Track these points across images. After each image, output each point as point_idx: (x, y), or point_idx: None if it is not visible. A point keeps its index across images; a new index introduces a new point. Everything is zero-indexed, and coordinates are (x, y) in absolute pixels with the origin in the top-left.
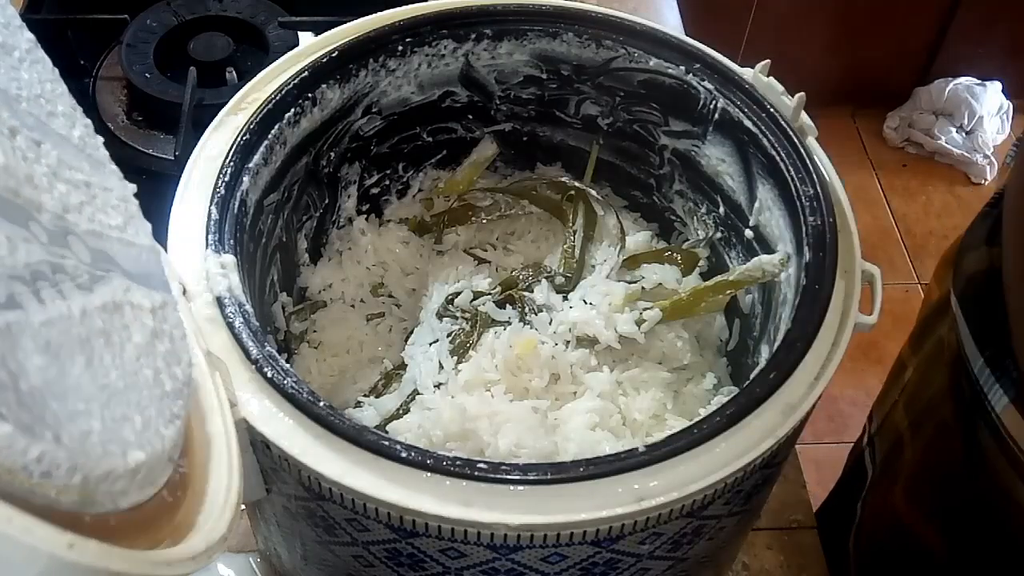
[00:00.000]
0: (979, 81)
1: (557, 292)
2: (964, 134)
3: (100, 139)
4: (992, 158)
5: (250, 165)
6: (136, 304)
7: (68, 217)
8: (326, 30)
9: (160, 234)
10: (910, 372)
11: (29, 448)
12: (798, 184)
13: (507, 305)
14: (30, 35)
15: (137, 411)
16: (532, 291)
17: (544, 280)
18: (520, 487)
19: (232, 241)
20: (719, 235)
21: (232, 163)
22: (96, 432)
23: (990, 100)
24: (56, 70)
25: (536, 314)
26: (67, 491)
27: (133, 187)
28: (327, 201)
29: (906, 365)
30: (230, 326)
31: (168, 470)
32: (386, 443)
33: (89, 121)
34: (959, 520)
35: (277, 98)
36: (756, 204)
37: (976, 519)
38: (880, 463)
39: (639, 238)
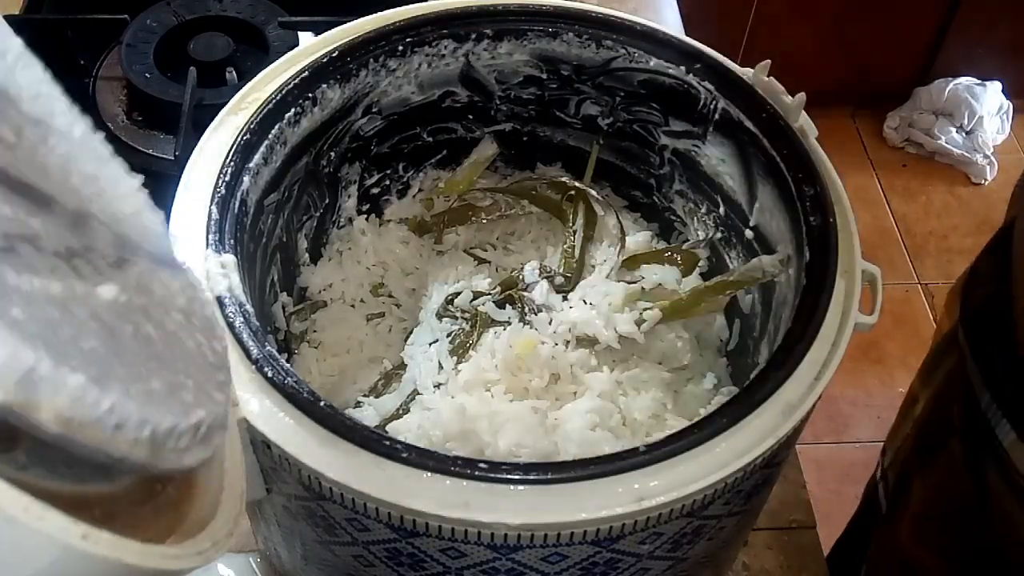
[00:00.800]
0: (979, 81)
1: (557, 292)
2: (964, 134)
3: (101, 134)
4: (992, 158)
5: (250, 165)
6: (166, 283)
7: (86, 205)
8: (326, 30)
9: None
10: (920, 406)
11: (101, 399)
12: (798, 184)
13: (507, 305)
14: (19, 40)
15: (188, 377)
16: (531, 290)
17: (544, 280)
18: (520, 487)
19: (232, 241)
20: (719, 235)
21: (232, 163)
22: (157, 391)
23: (990, 100)
24: (48, 72)
25: (536, 314)
26: (138, 445)
27: (140, 177)
28: (327, 201)
29: (917, 398)
30: (230, 326)
31: (223, 433)
32: (386, 443)
33: (88, 119)
34: (968, 558)
35: (277, 98)
36: (756, 204)
37: (985, 558)
38: (890, 498)
39: (639, 238)
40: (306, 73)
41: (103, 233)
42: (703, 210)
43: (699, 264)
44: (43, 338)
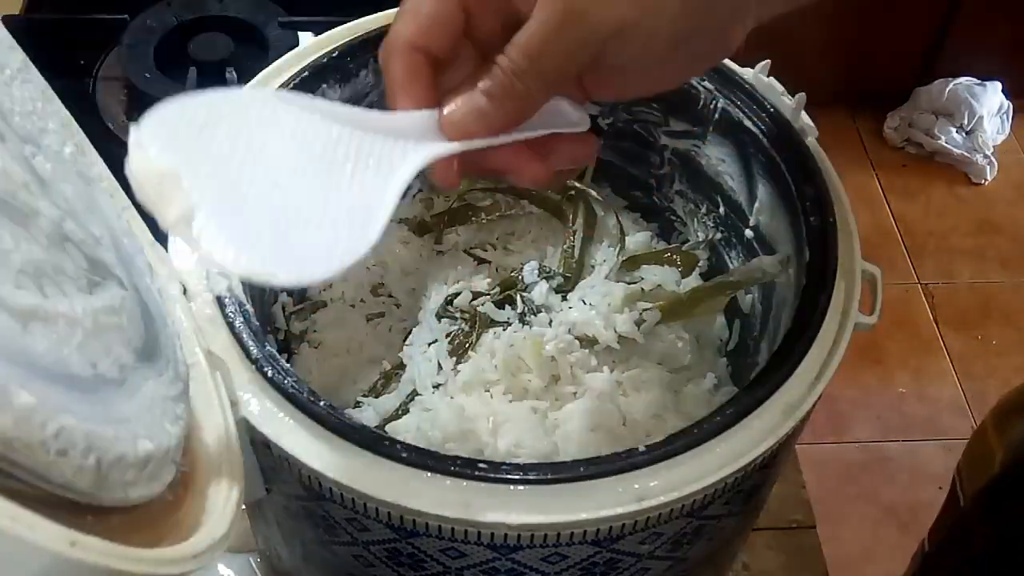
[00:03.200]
0: (979, 81)
1: (556, 292)
2: (964, 134)
3: (94, 156)
4: (992, 158)
5: None
6: (131, 312)
7: (64, 225)
8: (326, 30)
9: (161, 233)
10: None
11: (47, 423)
12: (798, 184)
13: (506, 305)
14: (22, 55)
15: (142, 408)
16: (531, 291)
17: (543, 280)
18: (520, 487)
19: None
20: (719, 235)
21: None
22: (106, 420)
23: (990, 100)
24: (48, 88)
25: (535, 314)
26: (82, 473)
27: (126, 202)
28: None
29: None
30: (230, 326)
31: (172, 470)
32: (386, 443)
33: (83, 138)
34: None
35: None
36: (756, 204)
37: None
38: None
39: (639, 238)
40: (306, 73)
41: (76, 255)
42: (703, 210)
43: (699, 264)
44: (1, 349)
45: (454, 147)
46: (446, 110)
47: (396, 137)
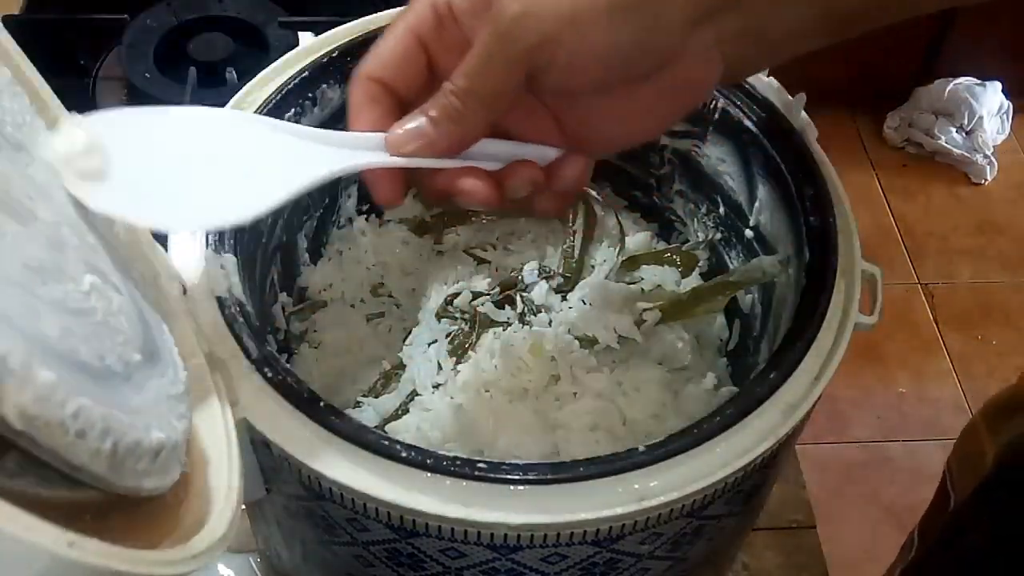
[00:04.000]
0: (979, 81)
1: (556, 292)
2: (964, 134)
3: None
4: (992, 158)
5: None
6: (129, 316)
7: (61, 231)
8: (326, 30)
9: (161, 234)
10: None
11: (68, 401)
12: (798, 184)
13: (506, 305)
14: (8, 72)
15: (152, 403)
16: (531, 291)
17: (543, 280)
18: (520, 487)
19: (232, 241)
20: (719, 235)
21: None
22: (122, 407)
23: (990, 100)
24: (34, 105)
25: (535, 314)
26: (99, 456)
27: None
28: (327, 201)
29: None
30: (230, 326)
31: (179, 467)
32: (386, 443)
33: None
34: None
35: (277, 98)
36: (756, 204)
37: None
38: None
39: (639, 239)
40: (306, 73)
41: (74, 258)
42: (703, 210)
43: (699, 264)
44: (21, 329)
45: (394, 161)
46: (390, 128)
47: (339, 147)
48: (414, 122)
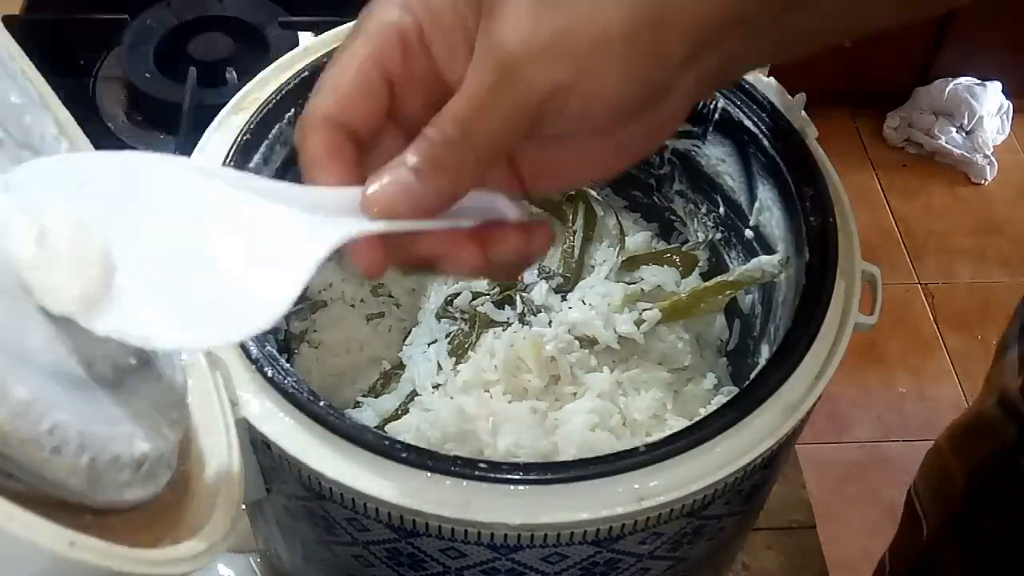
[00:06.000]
0: (979, 81)
1: (556, 292)
2: (964, 134)
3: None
4: (992, 158)
5: (250, 165)
6: None
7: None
8: (326, 30)
9: None
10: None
11: (43, 417)
12: (798, 184)
13: (506, 305)
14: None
15: (139, 412)
16: (530, 291)
17: (543, 280)
18: (520, 487)
19: None
20: (719, 235)
21: (232, 163)
22: (101, 420)
23: (990, 100)
24: (44, 95)
25: (535, 315)
26: (75, 473)
27: None
28: None
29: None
30: None
31: (168, 474)
32: (386, 443)
33: (73, 142)
34: None
35: (277, 98)
36: (756, 204)
37: None
38: None
39: (638, 239)
40: (306, 73)
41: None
42: (703, 210)
43: (699, 264)
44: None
45: (377, 227)
46: (369, 187)
47: (314, 212)
48: (395, 177)
